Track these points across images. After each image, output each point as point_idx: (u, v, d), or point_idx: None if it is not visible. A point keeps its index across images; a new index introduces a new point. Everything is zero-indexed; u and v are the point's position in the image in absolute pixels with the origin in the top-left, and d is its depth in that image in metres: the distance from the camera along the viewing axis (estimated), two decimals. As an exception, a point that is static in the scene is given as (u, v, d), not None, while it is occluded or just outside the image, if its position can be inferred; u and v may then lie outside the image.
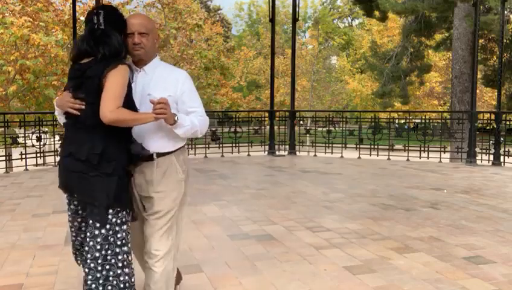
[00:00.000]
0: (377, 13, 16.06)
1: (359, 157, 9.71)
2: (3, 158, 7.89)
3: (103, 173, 2.14)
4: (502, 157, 8.85)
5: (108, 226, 2.17)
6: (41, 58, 13.22)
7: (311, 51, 32.82)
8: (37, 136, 8.41)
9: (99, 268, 2.15)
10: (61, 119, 2.35)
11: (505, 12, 12.32)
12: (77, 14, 11.40)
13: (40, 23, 13.45)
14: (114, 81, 2.11)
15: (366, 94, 28.35)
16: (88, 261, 2.17)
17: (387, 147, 9.55)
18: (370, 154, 9.76)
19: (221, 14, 39.81)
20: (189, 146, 9.71)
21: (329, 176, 7.47)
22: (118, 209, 2.19)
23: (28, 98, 14.50)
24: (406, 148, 9.53)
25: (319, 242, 3.92)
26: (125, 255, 2.20)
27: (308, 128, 11.35)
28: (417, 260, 3.47)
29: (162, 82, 2.36)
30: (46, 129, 9.90)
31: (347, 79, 31.63)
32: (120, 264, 2.18)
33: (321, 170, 8.05)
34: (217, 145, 9.91)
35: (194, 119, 2.36)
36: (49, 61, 13.57)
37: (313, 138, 10.49)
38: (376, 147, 9.75)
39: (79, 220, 2.35)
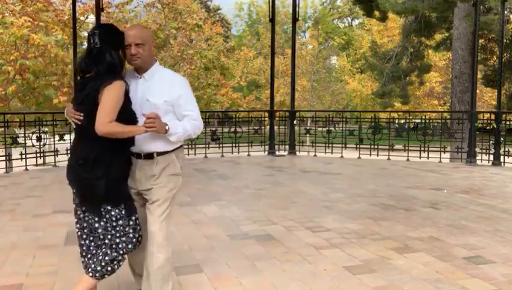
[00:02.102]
0: (377, 13, 16.06)
1: (359, 158, 9.70)
2: (3, 158, 7.89)
3: (94, 176, 2.42)
4: (502, 157, 8.84)
5: (105, 219, 2.48)
6: (41, 58, 13.22)
7: (311, 51, 32.84)
8: (37, 136, 8.42)
9: (106, 251, 2.48)
10: (73, 125, 2.59)
11: (505, 12, 12.33)
12: (77, 14, 11.40)
13: (40, 23, 13.45)
14: (108, 97, 2.33)
15: (366, 94, 28.35)
16: (91, 248, 2.51)
17: (387, 147, 9.55)
18: (370, 154, 9.76)
19: (221, 14, 39.82)
20: (189, 146, 9.70)
21: (329, 176, 7.46)
22: (110, 206, 2.48)
23: (28, 98, 14.49)
24: (406, 148, 9.53)
25: (319, 242, 3.92)
26: (124, 244, 2.51)
27: (308, 128, 11.35)
28: (417, 260, 3.47)
29: (160, 87, 2.53)
30: (46, 129, 9.90)
31: (347, 79, 31.65)
32: (121, 252, 2.51)
33: (321, 170, 8.05)
34: (217, 145, 9.91)
35: (186, 124, 2.55)
36: (49, 61, 13.57)
37: (313, 138, 10.48)
38: (376, 147, 9.75)
39: (79, 213, 2.58)
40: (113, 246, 2.49)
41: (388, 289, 2.97)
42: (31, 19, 13.09)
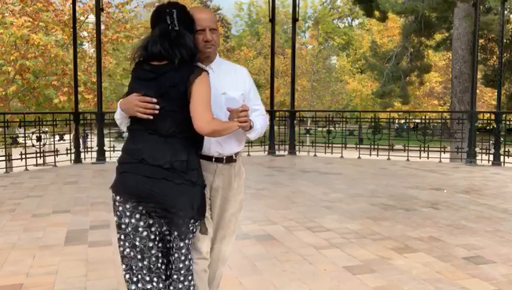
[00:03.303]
0: (377, 13, 16.05)
1: (359, 157, 9.71)
2: (3, 158, 7.89)
3: (189, 181, 1.99)
4: (502, 157, 8.84)
5: (190, 235, 2.07)
6: (41, 58, 13.22)
7: (311, 51, 32.83)
8: (37, 136, 8.42)
9: (182, 279, 2.04)
10: (123, 124, 2.15)
11: (505, 12, 12.33)
12: (77, 14, 11.40)
13: (40, 23, 13.43)
14: (203, 90, 1.98)
15: (366, 94, 28.37)
16: (172, 273, 2.06)
17: (387, 147, 9.55)
18: (370, 154, 9.76)
19: (221, 14, 39.80)
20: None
21: (329, 176, 7.46)
22: (196, 218, 2.06)
23: (28, 98, 14.50)
24: (406, 148, 9.53)
25: (319, 242, 3.91)
26: (192, 261, 2.14)
27: (308, 128, 11.35)
28: (417, 260, 3.47)
29: (232, 80, 2.24)
30: (46, 129, 9.91)
31: (347, 79, 31.65)
32: (193, 271, 2.11)
33: (321, 170, 8.05)
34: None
35: (260, 120, 2.27)
36: (49, 61, 13.57)
37: (313, 138, 10.49)
38: (376, 147, 9.75)
39: (137, 239, 2.05)
40: (190, 268, 2.08)
41: (388, 289, 2.97)
42: (31, 19, 13.09)
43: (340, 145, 10.03)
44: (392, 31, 26.74)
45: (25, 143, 8.30)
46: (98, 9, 8.98)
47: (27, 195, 5.87)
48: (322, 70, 32.29)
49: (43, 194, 5.90)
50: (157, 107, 1.97)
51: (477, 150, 9.11)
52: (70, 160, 8.86)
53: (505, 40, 12.60)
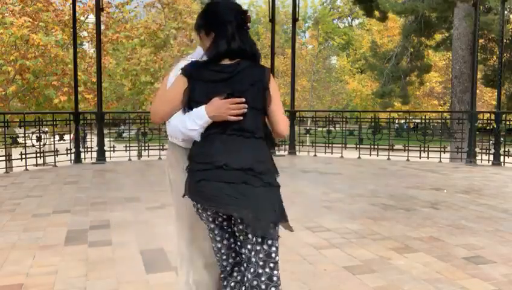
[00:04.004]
0: (377, 13, 16.07)
1: (359, 157, 9.70)
2: (3, 158, 7.89)
3: (267, 183, 1.90)
4: (502, 157, 8.84)
5: (270, 242, 1.92)
6: (41, 58, 13.21)
7: (311, 51, 32.84)
8: (37, 136, 8.42)
9: (263, 287, 1.88)
10: (198, 133, 1.95)
11: (505, 12, 12.33)
12: (77, 14, 11.40)
13: (40, 23, 13.44)
14: (278, 91, 1.97)
15: (366, 94, 28.37)
16: (249, 278, 1.90)
17: (387, 147, 9.55)
18: (370, 154, 9.75)
19: (221, 14, 39.77)
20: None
21: (329, 176, 7.46)
22: (278, 223, 1.96)
23: (28, 98, 14.49)
24: (406, 148, 9.54)
25: (319, 242, 3.91)
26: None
27: (308, 128, 11.35)
28: (417, 260, 3.47)
29: None
30: (46, 129, 9.91)
31: (347, 79, 31.66)
32: (280, 286, 1.94)
33: (321, 170, 8.05)
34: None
35: None
36: (49, 61, 13.57)
37: (313, 138, 10.49)
38: (376, 147, 9.75)
39: (227, 236, 2.05)
40: (272, 278, 1.92)
41: (388, 289, 2.97)
42: (31, 19, 13.08)
43: (340, 145, 10.02)
44: (392, 31, 26.75)
45: (25, 143, 8.30)
46: (98, 9, 8.98)
47: (27, 195, 5.87)
48: (322, 70, 32.31)
49: (43, 194, 5.90)
50: (246, 106, 1.89)
51: (477, 150, 9.12)
52: (70, 160, 8.86)
53: (505, 40, 12.60)
